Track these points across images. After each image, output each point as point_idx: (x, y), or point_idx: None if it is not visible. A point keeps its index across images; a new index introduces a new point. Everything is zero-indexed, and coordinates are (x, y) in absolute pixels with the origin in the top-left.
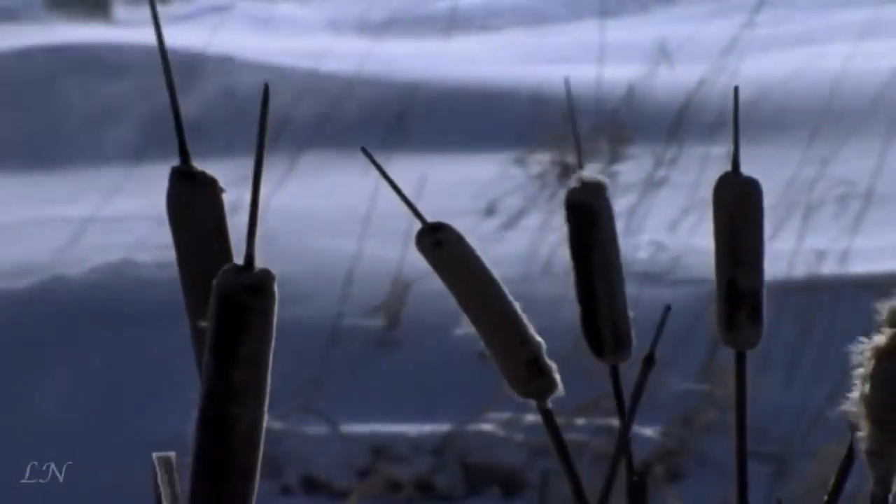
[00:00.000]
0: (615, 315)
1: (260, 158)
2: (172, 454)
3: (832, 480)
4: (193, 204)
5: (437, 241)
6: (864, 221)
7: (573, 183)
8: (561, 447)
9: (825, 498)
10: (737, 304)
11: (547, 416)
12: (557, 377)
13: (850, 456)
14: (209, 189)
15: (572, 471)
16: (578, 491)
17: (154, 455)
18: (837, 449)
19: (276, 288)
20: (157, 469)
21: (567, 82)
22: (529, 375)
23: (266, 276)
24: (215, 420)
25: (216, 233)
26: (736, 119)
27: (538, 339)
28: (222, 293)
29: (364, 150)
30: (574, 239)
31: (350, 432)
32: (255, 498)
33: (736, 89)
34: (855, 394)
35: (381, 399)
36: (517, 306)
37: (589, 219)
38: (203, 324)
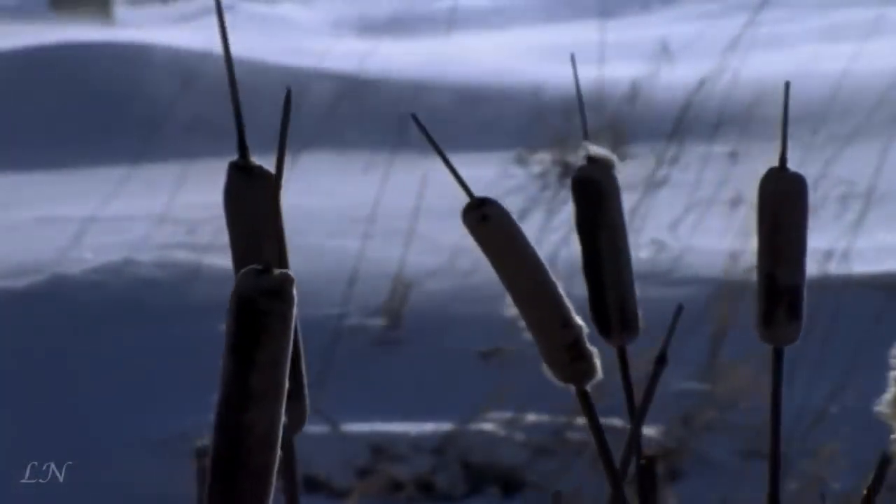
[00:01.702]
0: (622, 296)
1: (280, 164)
2: None
3: (871, 478)
4: (249, 197)
5: (484, 215)
6: (866, 221)
7: (581, 159)
8: (597, 430)
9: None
10: (776, 300)
11: (585, 399)
12: (598, 362)
13: (887, 458)
14: (265, 183)
15: (607, 455)
16: (614, 475)
17: (199, 442)
18: (837, 448)
19: (294, 291)
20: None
21: (573, 58)
22: (569, 358)
23: (285, 280)
24: (232, 423)
25: (271, 226)
26: (785, 116)
27: (580, 322)
28: (240, 296)
29: (414, 118)
30: (581, 217)
31: (350, 431)
32: (270, 500)
33: (787, 84)
34: (888, 395)
35: (381, 398)
36: (561, 288)
37: (597, 197)
38: (221, 326)
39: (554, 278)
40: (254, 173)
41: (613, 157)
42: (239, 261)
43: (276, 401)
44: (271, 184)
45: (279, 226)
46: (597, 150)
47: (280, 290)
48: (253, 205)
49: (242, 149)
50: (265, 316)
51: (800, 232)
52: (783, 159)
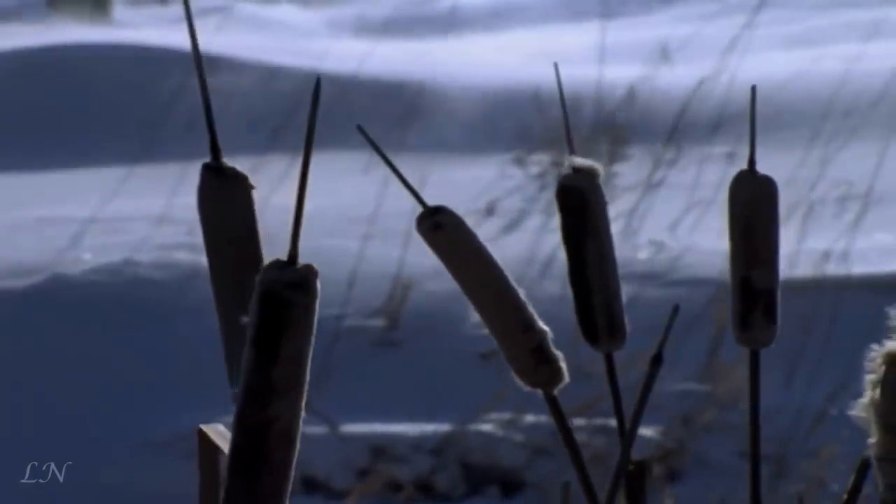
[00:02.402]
0: (609, 302)
1: (307, 156)
2: (219, 426)
3: (850, 482)
4: (223, 198)
5: (436, 223)
6: (865, 222)
7: (566, 169)
8: (567, 434)
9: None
10: (751, 303)
11: (553, 403)
12: (563, 366)
13: (866, 463)
14: (239, 184)
15: (578, 457)
16: (584, 474)
17: (200, 427)
18: (837, 449)
19: (318, 284)
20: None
21: (557, 68)
22: (535, 363)
23: (309, 272)
24: (253, 417)
25: (246, 227)
26: (752, 118)
27: (543, 327)
28: (265, 289)
29: (360, 128)
30: (566, 225)
31: (350, 432)
32: (288, 495)
33: (753, 88)
34: (865, 399)
35: (380, 399)
36: (522, 293)
37: (581, 204)
38: (244, 319)
39: (514, 284)
40: (227, 174)
41: (598, 167)
42: (214, 261)
43: (298, 395)
44: (246, 184)
45: (299, 220)
46: (581, 160)
47: (304, 283)
48: (227, 205)
49: (214, 150)
50: (290, 308)
51: (772, 234)
52: (752, 162)
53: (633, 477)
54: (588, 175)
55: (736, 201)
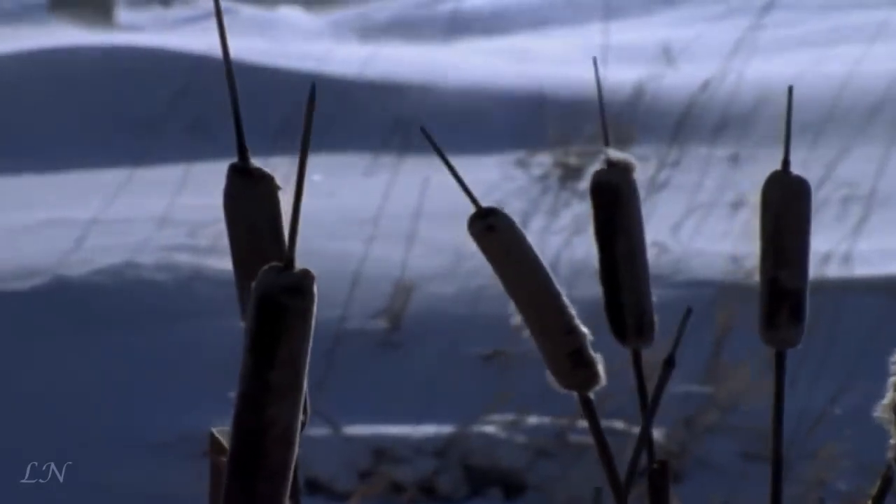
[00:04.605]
0: (638, 299)
1: (303, 161)
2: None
3: (876, 488)
4: (249, 199)
5: (489, 225)
6: (868, 223)
7: (599, 163)
8: (599, 437)
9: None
10: (779, 303)
11: (588, 407)
12: (601, 369)
13: (890, 467)
14: (265, 185)
15: (610, 461)
16: (615, 480)
17: (214, 430)
18: (839, 449)
19: (315, 289)
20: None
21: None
22: (571, 366)
23: (305, 277)
24: (251, 420)
25: (271, 228)
26: (788, 120)
27: (583, 329)
28: (261, 293)
29: (423, 131)
30: (598, 221)
31: (352, 434)
32: (287, 498)
33: (790, 89)
34: (886, 401)
35: (383, 401)
36: (564, 296)
37: (614, 200)
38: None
39: (557, 285)
40: (253, 176)
41: (632, 161)
42: (240, 263)
43: (296, 398)
44: (272, 185)
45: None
46: (616, 154)
47: (301, 287)
48: (253, 206)
49: (242, 151)
50: (286, 312)
51: (802, 235)
52: (786, 162)
53: (657, 476)
54: (622, 170)
55: (767, 201)
